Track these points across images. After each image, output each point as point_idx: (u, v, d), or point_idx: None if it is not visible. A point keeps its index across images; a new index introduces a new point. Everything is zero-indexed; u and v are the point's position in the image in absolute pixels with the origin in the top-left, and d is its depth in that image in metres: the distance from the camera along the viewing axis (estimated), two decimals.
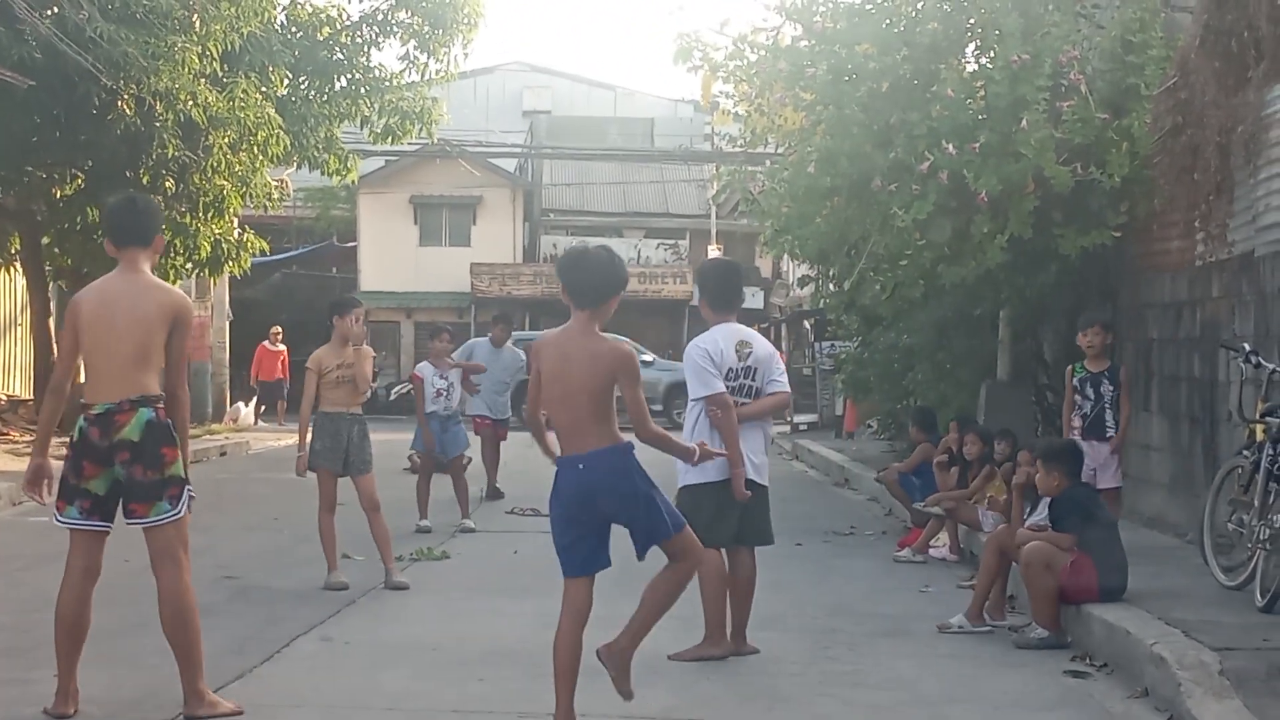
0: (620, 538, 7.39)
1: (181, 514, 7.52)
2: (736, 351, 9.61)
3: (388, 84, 27.72)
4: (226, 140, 23.61)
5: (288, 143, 24.83)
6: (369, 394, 12.43)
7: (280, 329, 37.82)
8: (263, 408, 36.21)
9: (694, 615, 9.60)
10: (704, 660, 9.37)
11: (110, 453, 7.44)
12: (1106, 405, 12.59)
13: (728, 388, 9.46)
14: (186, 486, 7.54)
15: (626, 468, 7.28)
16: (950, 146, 14.47)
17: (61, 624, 7.66)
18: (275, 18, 25.96)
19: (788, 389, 9.99)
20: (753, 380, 9.66)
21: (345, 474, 12.07)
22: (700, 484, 9.45)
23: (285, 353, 37.31)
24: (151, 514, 7.47)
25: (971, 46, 16.51)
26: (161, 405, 7.50)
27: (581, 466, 7.19)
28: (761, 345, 9.83)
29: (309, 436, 12.07)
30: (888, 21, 16.01)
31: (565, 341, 7.26)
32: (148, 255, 7.81)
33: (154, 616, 10.33)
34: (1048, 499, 10.61)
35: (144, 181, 24.17)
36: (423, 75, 27.84)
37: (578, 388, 7.15)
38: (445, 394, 16.29)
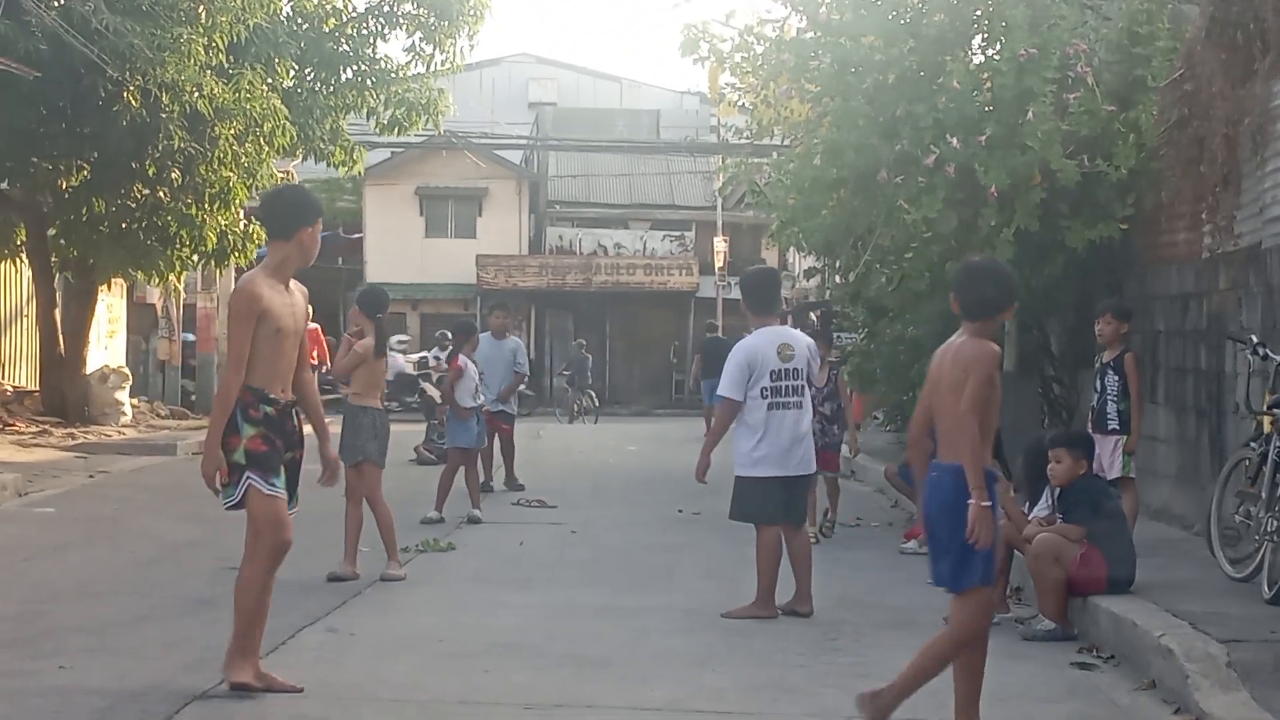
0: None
1: (236, 499, 7.72)
2: (778, 353, 10.63)
3: (393, 75, 27.70)
4: (232, 132, 23.61)
5: (294, 134, 24.84)
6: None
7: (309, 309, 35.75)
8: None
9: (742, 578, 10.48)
10: (754, 618, 10.37)
11: None
12: (1110, 397, 12.46)
13: (773, 386, 10.56)
14: (246, 473, 7.69)
15: (956, 489, 6.95)
16: (956, 139, 14.44)
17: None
18: (281, 9, 25.94)
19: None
20: (797, 379, 10.69)
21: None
22: (751, 477, 10.64)
23: (319, 331, 34.19)
24: (223, 499, 7.81)
25: (978, 38, 16.47)
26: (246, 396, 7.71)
27: (935, 475, 7.08)
28: (801, 345, 10.86)
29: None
30: (893, 13, 15.96)
31: (945, 351, 7.21)
32: (283, 248, 7.92)
33: (160, 608, 10.39)
34: (1049, 490, 10.61)
35: (150, 173, 24.23)
36: (428, 67, 27.81)
37: (942, 394, 7.05)
38: (480, 389, 16.32)
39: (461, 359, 16.17)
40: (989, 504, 6.82)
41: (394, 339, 43.93)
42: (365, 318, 12.48)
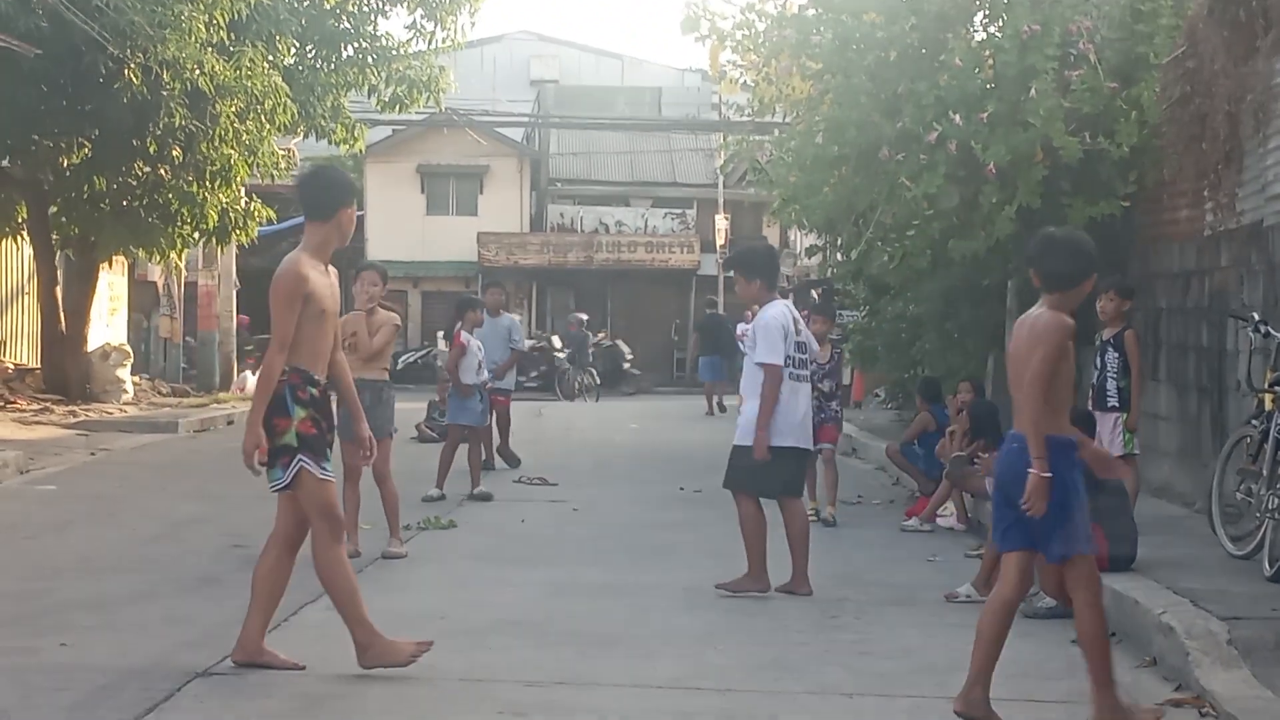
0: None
1: (286, 481, 7.76)
2: (795, 326, 10.83)
3: (395, 53, 27.62)
4: (233, 109, 23.59)
5: (295, 111, 24.80)
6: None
7: None
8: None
9: (743, 555, 10.55)
10: (749, 592, 10.45)
11: None
12: (1110, 374, 12.42)
13: (793, 357, 10.71)
14: (298, 455, 7.74)
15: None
16: (958, 116, 14.43)
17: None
18: None
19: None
20: (806, 354, 10.95)
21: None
22: (747, 446, 10.61)
23: None
24: (270, 480, 7.82)
25: (980, 15, 16.45)
26: (283, 377, 7.73)
27: (1015, 446, 7.07)
28: (803, 324, 11.15)
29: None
30: None
31: (1023, 323, 7.20)
32: (322, 228, 7.95)
33: (161, 585, 10.40)
34: None
35: (151, 151, 24.21)
36: (430, 44, 27.73)
37: (1020, 366, 7.03)
38: (483, 365, 16.29)
39: (464, 335, 16.14)
40: (1048, 475, 6.79)
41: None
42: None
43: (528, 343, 42.17)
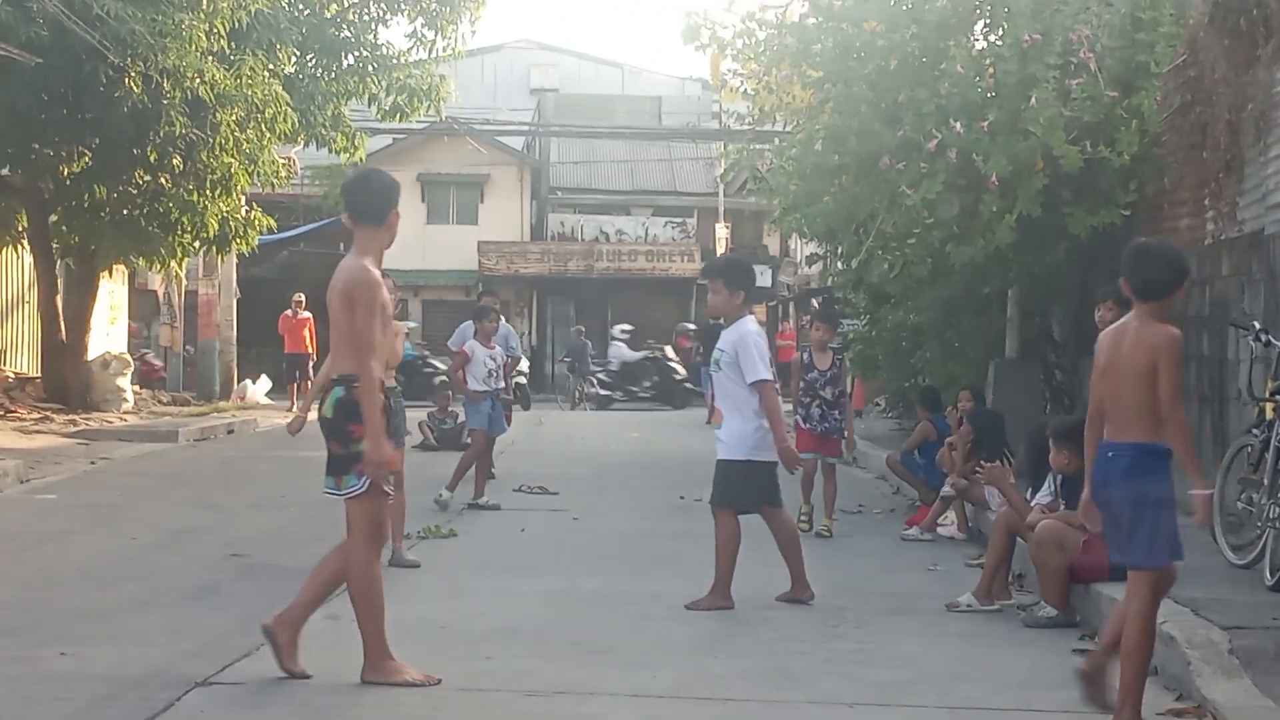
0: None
1: (363, 488, 7.72)
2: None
3: (395, 61, 27.68)
4: (234, 118, 23.61)
5: (295, 120, 24.83)
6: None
7: (303, 296, 33.72)
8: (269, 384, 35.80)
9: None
10: (716, 609, 10.23)
11: (321, 428, 7.92)
12: None
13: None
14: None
15: (1141, 469, 7.08)
16: (959, 124, 14.43)
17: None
18: None
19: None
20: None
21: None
22: (750, 461, 10.53)
23: (311, 321, 32.81)
24: (342, 486, 7.79)
25: (980, 24, 16.47)
26: (358, 384, 7.71)
27: (1110, 455, 7.10)
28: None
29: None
30: None
31: (1119, 333, 7.21)
32: (373, 232, 7.94)
33: (161, 595, 10.38)
34: (1052, 477, 10.61)
35: (151, 159, 24.23)
36: (430, 52, 27.79)
37: (1123, 376, 7.07)
38: (495, 374, 16.27)
39: (469, 345, 16.22)
40: (1211, 490, 6.91)
41: (618, 328, 44.38)
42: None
43: (638, 353, 42.25)
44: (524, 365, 37.70)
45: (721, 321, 11.23)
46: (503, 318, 19.34)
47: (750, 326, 10.71)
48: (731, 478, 10.57)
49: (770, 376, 10.52)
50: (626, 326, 44.98)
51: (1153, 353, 6.97)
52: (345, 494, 7.77)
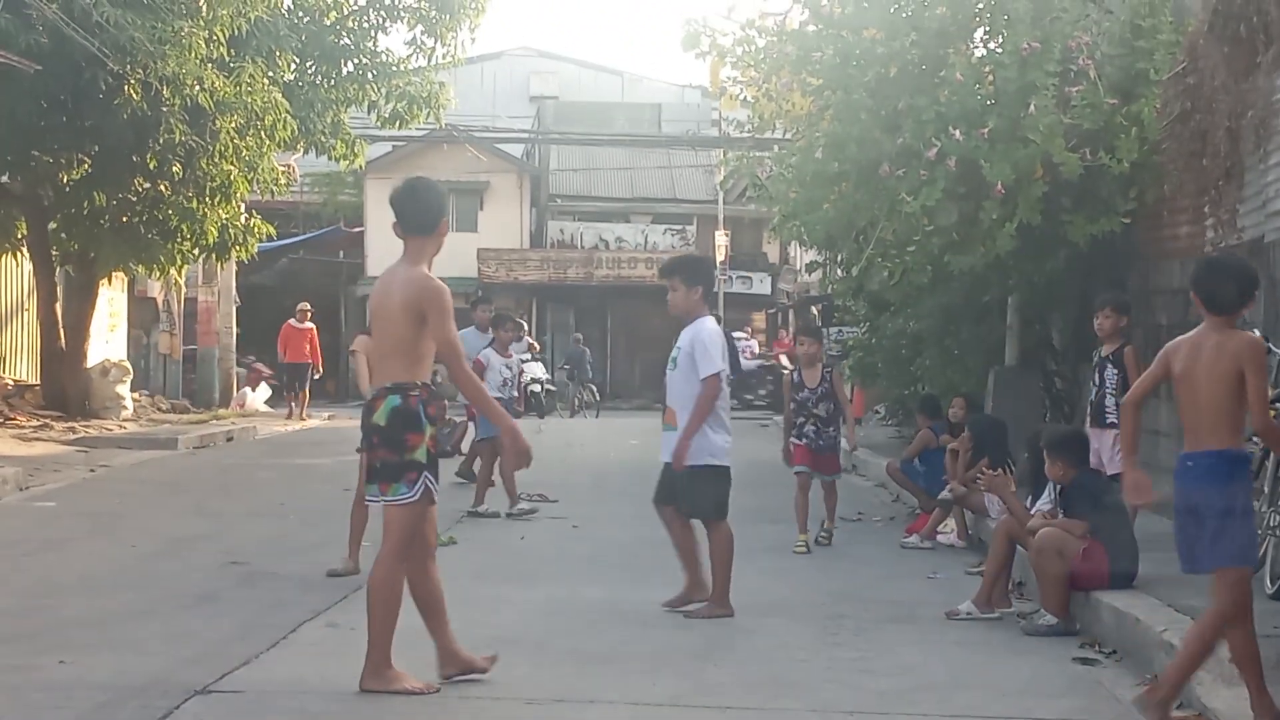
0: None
1: (415, 497, 7.72)
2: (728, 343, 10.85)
3: (395, 69, 27.70)
4: (233, 125, 23.63)
5: (295, 127, 24.85)
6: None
7: (309, 306, 33.87)
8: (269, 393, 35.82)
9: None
10: (718, 617, 10.20)
11: (368, 435, 7.84)
12: (1108, 391, 12.34)
13: (722, 375, 10.48)
14: (424, 473, 7.75)
15: (1226, 475, 7.15)
16: (958, 132, 14.43)
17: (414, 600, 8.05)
18: (282, 2, 25.97)
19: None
20: (734, 374, 10.91)
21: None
22: (724, 466, 10.46)
23: (314, 331, 33.37)
24: (390, 494, 7.78)
25: (980, 32, 16.46)
26: (415, 393, 7.71)
27: (1190, 464, 7.14)
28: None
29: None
30: (895, 6, 15.97)
31: (1197, 342, 7.24)
32: (424, 243, 7.95)
33: (160, 603, 10.37)
34: (1051, 485, 10.61)
35: (151, 166, 24.26)
36: (429, 60, 27.80)
37: (1203, 383, 7.11)
38: (510, 383, 16.26)
39: (484, 353, 16.25)
40: None
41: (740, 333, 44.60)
42: None
43: (754, 362, 42.21)
44: (540, 372, 37.87)
45: (723, 328, 11.19)
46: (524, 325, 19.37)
47: (709, 325, 10.65)
48: (705, 487, 10.44)
49: (722, 368, 10.39)
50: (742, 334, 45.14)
51: (1237, 359, 7.02)
52: (392, 500, 7.76)
